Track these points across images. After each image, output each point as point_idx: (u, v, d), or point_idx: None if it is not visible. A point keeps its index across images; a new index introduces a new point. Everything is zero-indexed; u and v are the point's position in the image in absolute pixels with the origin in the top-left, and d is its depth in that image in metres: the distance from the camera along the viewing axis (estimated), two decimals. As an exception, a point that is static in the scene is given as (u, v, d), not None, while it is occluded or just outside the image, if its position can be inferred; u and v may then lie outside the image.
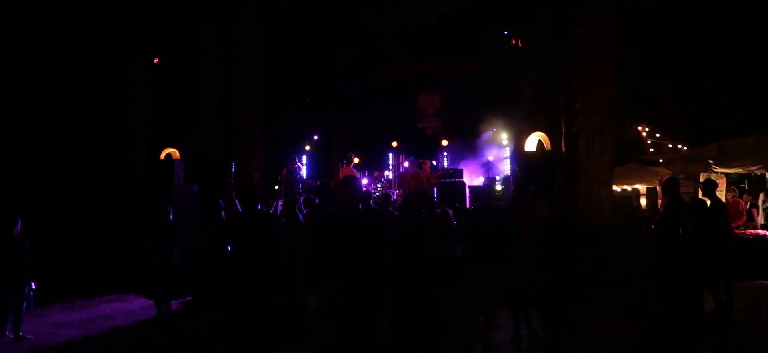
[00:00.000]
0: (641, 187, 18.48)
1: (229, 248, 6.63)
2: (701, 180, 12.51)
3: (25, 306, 8.62)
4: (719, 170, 12.49)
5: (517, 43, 15.16)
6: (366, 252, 5.00)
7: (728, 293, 8.88)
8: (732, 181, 14.11)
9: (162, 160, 15.59)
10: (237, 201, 7.33)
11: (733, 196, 12.64)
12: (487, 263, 7.26)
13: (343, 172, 17.00)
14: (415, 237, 5.35)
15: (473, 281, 7.45)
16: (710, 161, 12.27)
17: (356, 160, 18.39)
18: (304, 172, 17.51)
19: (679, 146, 20.35)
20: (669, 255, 7.42)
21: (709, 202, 9.02)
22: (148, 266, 10.41)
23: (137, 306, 11.01)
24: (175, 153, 15.74)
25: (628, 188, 20.29)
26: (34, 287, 8.76)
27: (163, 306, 10.12)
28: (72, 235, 13.63)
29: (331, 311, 5.04)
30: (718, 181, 12.50)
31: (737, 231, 12.06)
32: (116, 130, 15.68)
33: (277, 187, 17.92)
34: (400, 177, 17.22)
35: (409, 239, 5.34)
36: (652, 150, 21.47)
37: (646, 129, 21.64)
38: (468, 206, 15.49)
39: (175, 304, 10.50)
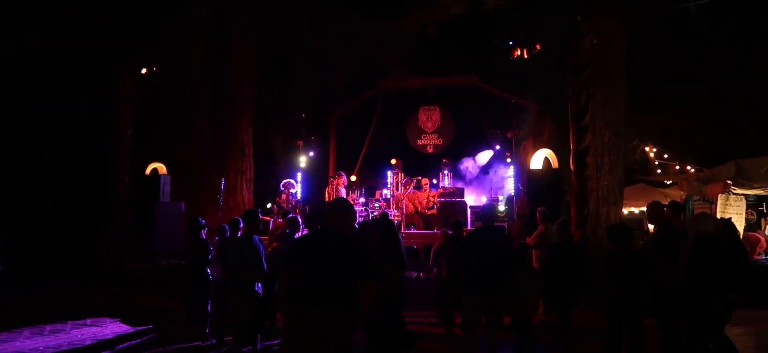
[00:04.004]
0: (650, 209, 17.69)
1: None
2: (719, 202, 11.81)
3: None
4: (738, 191, 11.73)
5: (521, 53, 14.52)
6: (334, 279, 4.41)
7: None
8: (750, 204, 13.37)
9: (147, 176, 14.86)
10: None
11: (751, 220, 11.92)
12: (483, 290, 6.43)
13: (328, 191, 16.24)
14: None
15: (468, 309, 6.64)
16: (729, 182, 11.50)
17: (353, 178, 17.66)
18: (298, 192, 16.75)
19: (688, 167, 19.65)
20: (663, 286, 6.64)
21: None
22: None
23: (111, 331, 10.19)
24: (161, 168, 15.02)
25: (636, 210, 19.54)
26: None
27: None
28: (47, 255, 12.92)
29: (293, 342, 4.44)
30: (737, 203, 11.80)
31: (757, 258, 11.31)
32: (99, 145, 15.01)
33: (270, 206, 17.24)
34: (397, 197, 16.45)
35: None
36: (659, 171, 20.73)
37: (654, 149, 20.93)
38: (470, 227, 14.74)
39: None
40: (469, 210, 15.27)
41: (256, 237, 7.68)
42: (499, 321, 6.81)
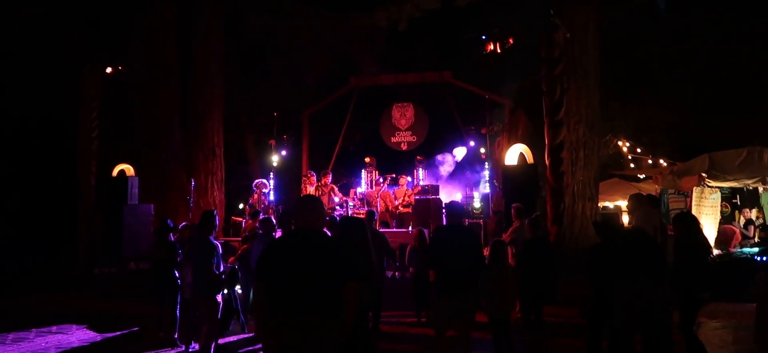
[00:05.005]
0: (624, 204, 17.75)
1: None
2: (694, 195, 11.79)
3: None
4: (713, 184, 11.73)
5: (495, 48, 14.37)
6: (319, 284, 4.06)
7: None
8: (724, 196, 13.42)
9: (114, 177, 14.45)
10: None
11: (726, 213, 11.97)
12: (452, 291, 6.13)
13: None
14: None
15: (438, 310, 6.38)
16: (704, 175, 11.48)
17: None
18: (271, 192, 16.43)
19: (661, 161, 19.76)
20: None
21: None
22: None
23: (76, 338, 9.85)
24: (128, 169, 14.63)
25: (610, 204, 19.58)
26: None
27: None
28: (10, 260, 12.49)
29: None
30: (713, 196, 11.81)
31: (732, 250, 11.35)
32: (64, 147, 14.57)
33: (242, 206, 16.94)
34: (370, 196, 16.24)
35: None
36: (632, 165, 20.82)
37: (627, 143, 21.03)
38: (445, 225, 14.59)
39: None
40: (444, 208, 15.14)
41: (211, 237, 7.49)
42: (471, 322, 6.54)
